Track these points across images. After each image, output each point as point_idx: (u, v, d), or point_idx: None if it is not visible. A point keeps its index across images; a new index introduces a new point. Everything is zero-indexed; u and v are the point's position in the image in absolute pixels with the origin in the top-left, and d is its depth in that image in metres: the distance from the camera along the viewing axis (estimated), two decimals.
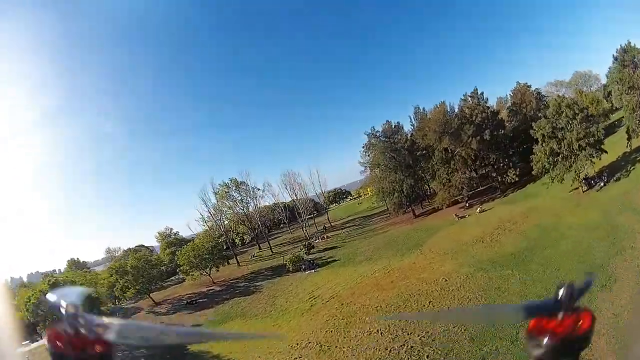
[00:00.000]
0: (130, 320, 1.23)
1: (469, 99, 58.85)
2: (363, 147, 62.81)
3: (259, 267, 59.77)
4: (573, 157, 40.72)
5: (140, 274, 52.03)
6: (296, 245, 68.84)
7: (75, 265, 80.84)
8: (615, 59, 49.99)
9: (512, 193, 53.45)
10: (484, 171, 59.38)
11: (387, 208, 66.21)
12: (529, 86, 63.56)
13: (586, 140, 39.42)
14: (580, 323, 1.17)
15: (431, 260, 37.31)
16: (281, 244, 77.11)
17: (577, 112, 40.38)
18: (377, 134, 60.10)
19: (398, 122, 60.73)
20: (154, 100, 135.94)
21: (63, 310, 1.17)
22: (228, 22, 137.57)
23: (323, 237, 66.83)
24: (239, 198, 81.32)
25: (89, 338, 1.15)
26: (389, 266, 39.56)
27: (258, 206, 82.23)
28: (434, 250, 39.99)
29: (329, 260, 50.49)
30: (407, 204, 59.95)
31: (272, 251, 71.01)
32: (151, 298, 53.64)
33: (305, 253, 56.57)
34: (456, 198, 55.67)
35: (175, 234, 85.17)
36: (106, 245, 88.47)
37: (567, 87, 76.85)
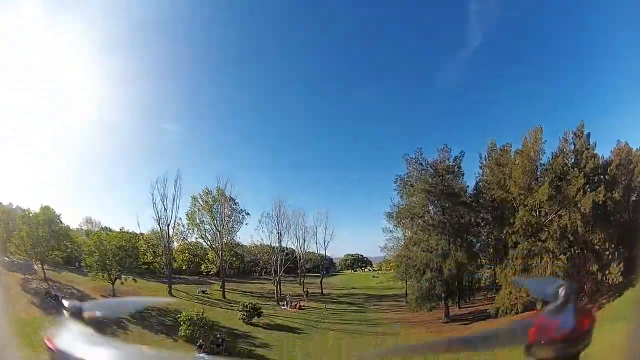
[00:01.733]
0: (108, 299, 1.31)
1: (573, 138, 35.64)
2: (395, 181, 38.95)
3: (178, 308, 36.70)
4: None
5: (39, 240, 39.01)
6: (258, 300, 46.12)
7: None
8: None
9: (608, 302, 29.01)
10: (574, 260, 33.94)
11: (407, 293, 40.10)
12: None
13: None
14: (580, 323, 1.13)
15: None
16: (249, 292, 54.33)
17: None
18: (424, 164, 36.39)
19: (462, 153, 36.81)
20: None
21: (63, 311, 1.18)
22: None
23: (296, 304, 42.18)
24: (219, 217, 59.32)
25: (89, 338, 1.15)
26: None
27: (235, 232, 60.25)
28: None
29: (256, 350, 26.13)
30: (442, 295, 33.65)
31: (224, 296, 48.05)
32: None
33: (242, 319, 32.78)
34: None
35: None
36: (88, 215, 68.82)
37: None
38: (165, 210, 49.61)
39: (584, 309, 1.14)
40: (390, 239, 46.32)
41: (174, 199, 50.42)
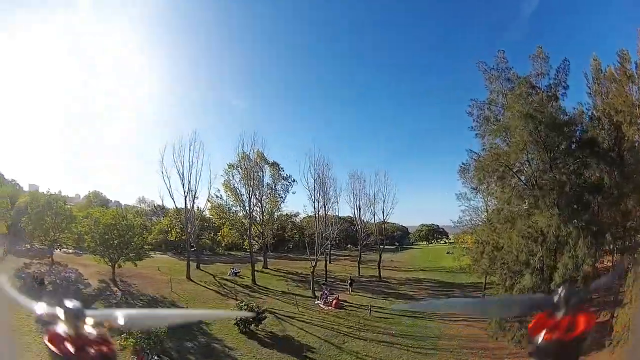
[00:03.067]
0: (134, 310, 1.22)
1: None
2: (470, 110, 23.94)
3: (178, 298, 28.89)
4: None
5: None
6: (296, 288, 36.86)
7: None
8: None
9: None
10: None
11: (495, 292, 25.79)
12: None
13: None
14: (580, 323, 1.13)
15: None
16: (293, 272, 46.02)
17: None
18: (512, 79, 20.88)
19: (565, 62, 20.66)
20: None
21: (64, 311, 1.14)
22: None
23: (333, 299, 31.06)
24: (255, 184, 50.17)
25: (90, 338, 1.13)
26: None
27: (280, 202, 51.71)
28: None
29: None
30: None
31: (254, 281, 39.67)
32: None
33: (237, 325, 23.11)
34: None
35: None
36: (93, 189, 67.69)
37: None
38: (182, 179, 41.16)
39: (583, 310, 1.12)
40: (467, 209, 31.37)
41: (190, 166, 41.50)
